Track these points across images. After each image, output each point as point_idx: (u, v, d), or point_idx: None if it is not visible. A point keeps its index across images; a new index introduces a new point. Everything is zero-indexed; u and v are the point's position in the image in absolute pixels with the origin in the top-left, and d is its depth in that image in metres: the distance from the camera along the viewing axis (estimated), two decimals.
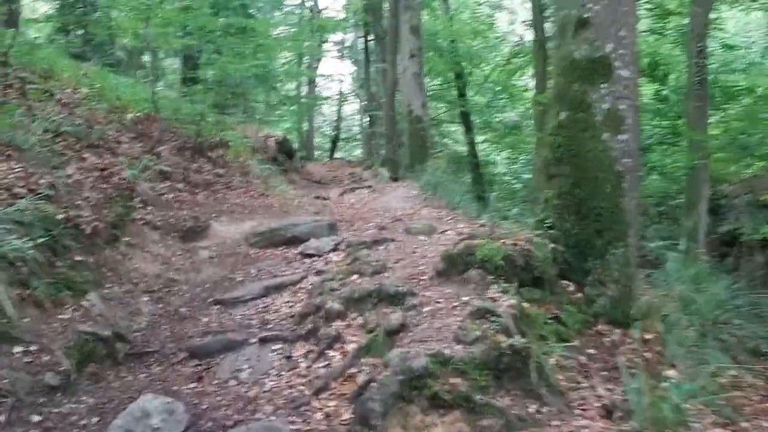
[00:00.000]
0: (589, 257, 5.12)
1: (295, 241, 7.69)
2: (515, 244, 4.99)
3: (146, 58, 26.24)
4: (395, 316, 4.35)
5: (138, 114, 10.59)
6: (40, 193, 6.20)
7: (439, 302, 4.61)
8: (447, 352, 3.74)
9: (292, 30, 25.30)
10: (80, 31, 27.60)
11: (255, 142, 18.78)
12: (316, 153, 30.33)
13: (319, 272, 6.33)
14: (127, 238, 6.92)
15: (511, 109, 23.63)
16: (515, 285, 4.73)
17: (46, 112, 8.46)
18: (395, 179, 17.29)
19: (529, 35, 21.28)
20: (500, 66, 22.39)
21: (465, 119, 22.60)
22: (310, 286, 5.97)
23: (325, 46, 29.89)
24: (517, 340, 3.90)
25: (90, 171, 7.65)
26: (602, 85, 5.22)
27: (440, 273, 5.07)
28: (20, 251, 4.93)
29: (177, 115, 12.40)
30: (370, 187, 15.09)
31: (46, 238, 5.51)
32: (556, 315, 4.77)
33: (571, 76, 5.40)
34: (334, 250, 7.16)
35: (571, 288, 5.10)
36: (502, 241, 5.04)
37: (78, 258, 5.88)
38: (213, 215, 8.60)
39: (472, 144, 22.29)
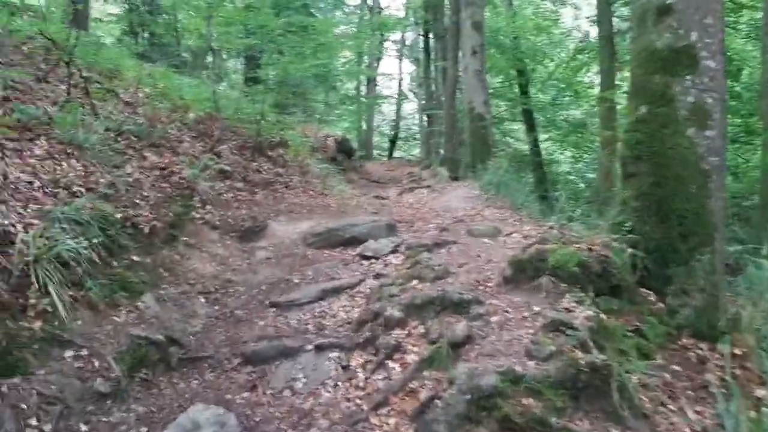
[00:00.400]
0: (672, 263, 4.67)
1: (353, 242, 7.44)
2: (590, 249, 4.59)
3: (210, 58, 26.70)
4: (460, 327, 4.02)
5: (200, 113, 10.52)
6: (99, 192, 6.12)
7: (507, 312, 4.27)
8: (518, 369, 3.40)
9: (353, 29, 25.15)
10: (147, 33, 28.21)
11: (314, 141, 18.76)
12: (375, 152, 30.16)
13: (377, 275, 6.05)
14: (185, 238, 6.78)
15: (575, 107, 22.91)
16: (591, 294, 4.35)
17: (108, 111, 8.45)
18: (455, 178, 16.90)
19: (594, 31, 20.59)
20: (564, 62, 21.72)
21: (527, 117, 22.04)
22: (368, 290, 5.70)
23: (385, 44, 29.72)
24: (597, 357, 3.54)
25: (150, 170, 7.56)
26: (686, 77, 4.77)
27: (508, 279, 4.72)
28: (75, 251, 4.81)
29: (238, 115, 12.35)
30: (429, 186, 14.76)
31: (103, 238, 5.40)
32: (636, 327, 4.36)
33: (651, 67, 4.96)
34: (394, 252, 6.87)
35: (652, 297, 4.66)
36: (576, 245, 4.65)
37: (135, 258, 5.76)
38: (271, 215, 8.42)
39: (535, 142, 21.72)
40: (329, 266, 6.81)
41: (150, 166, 7.68)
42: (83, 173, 6.34)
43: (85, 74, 9.55)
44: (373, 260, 6.79)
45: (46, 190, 5.62)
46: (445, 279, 5.16)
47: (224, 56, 27.00)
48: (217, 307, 5.87)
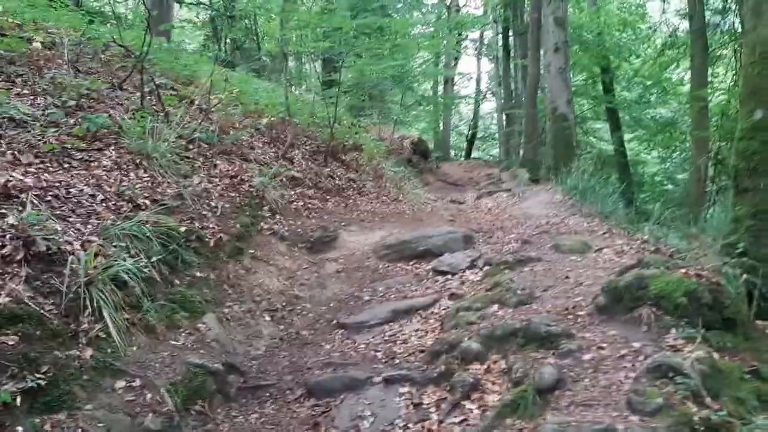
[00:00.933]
0: None
1: (427, 255, 6.96)
2: (699, 276, 3.94)
3: (287, 62, 26.73)
4: (548, 371, 3.45)
5: (272, 118, 10.27)
6: (164, 204, 5.86)
7: (602, 348, 3.68)
8: (620, 426, 2.84)
9: (430, 28, 24.63)
10: (228, 39, 28.55)
11: (390, 143, 18.37)
12: (452, 152, 29.55)
13: (453, 295, 5.55)
14: (251, 251, 6.46)
15: (663, 105, 21.65)
16: (700, 329, 3.70)
17: (179, 118, 8.28)
18: (536, 181, 16.17)
19: (684, 25, 19.35)
20: (652, 59, 20.52)
21: (612, 116, 20.99)
22: (443, 312, 5.21)
23: (463, 43, 29.04)
24: (713, 412, 2.93)
25: (220, 178, 7.31)
26: None
27: (602, 309, 4.12)
28: (133, 271, 4.52)
29: (313, 119, 12.07)
30: (509, 190, 14.11)
31: (165, 254, 5.12)
32: (753, 368, 3.69)
33: None
34: (471, 267, 6.35)
35: None
36: (681, 270, 4.00)
37: (198, 274, 5.45)
38: (342, 224, 8.04)
39: (620, 142, 20.63)
40: (401, 282, 6.36)
41: (220, 174, 7.43)
42: (150, 184, 6.10)
43: (160, 81, 9.46)
44: (448, 276, 6.29)
45: (110, 204, 5.38)
46: (530, 305, 4.60)
47: (303, 60, 27.10)
48: (282, 327, 5.51)
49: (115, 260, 4.50)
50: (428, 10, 28.36)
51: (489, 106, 31.41)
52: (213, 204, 6.53)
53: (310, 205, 8.24)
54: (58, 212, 4.70)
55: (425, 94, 28.96)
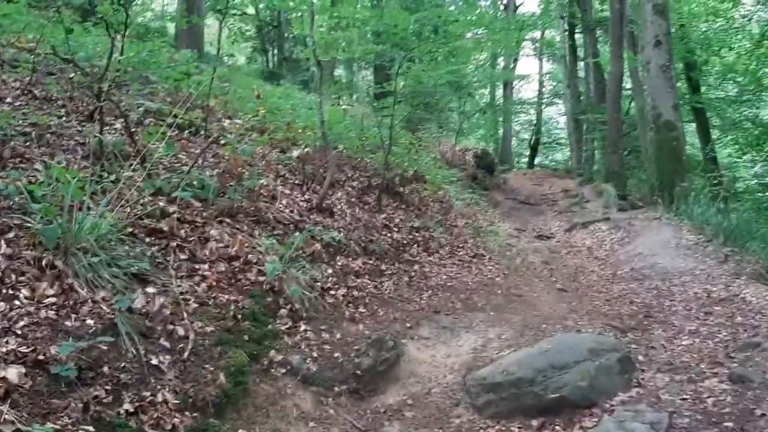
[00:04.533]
0: None
1: (563, 407, 3.62)
2: None
3: (340, 71, 23.59)
4: None
5: (306, 149, 7.10)
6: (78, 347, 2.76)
7: None
8: None
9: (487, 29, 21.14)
10: (276, 50, 25.69)
11: (452, 157, 15.04)
12: (514, 160, 25.94)
13: None
14: (250, 411, 3.31)
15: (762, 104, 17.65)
16: None
17: (157, 163, 5.20)
18: (633, 205, 12.59)
19: None
20: (748, 51, 16.57)
21: (700, 118, 17.18)
22: None
23: (522, 44, 25.30)
24: None
25: (207, 268, 4.17)
26: None
27: None
28: None
29: (362, 141, 8.85)
30: (607, 219, 10.61)
31: None
32: None
33: None
34: None
35: None
36: None
37: None
38: (408, 325, 4.76)
39: (710, 147, 16.74)
40: None
41: (209, 257, 4.29)
42: (55, 311, 3.03)
43: (155, 105, 6.51)
44: None
45: None
46: None
47: (353, 68, 23.93)
48: None
49: None
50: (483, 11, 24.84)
51: (552, 109, 27.64)
52: (179, 334, 3.39)
53: (356, 292, 4.98)
54: None
55: (483, 99, 25.45)
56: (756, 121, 16.96)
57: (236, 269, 4.33)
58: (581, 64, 21.62)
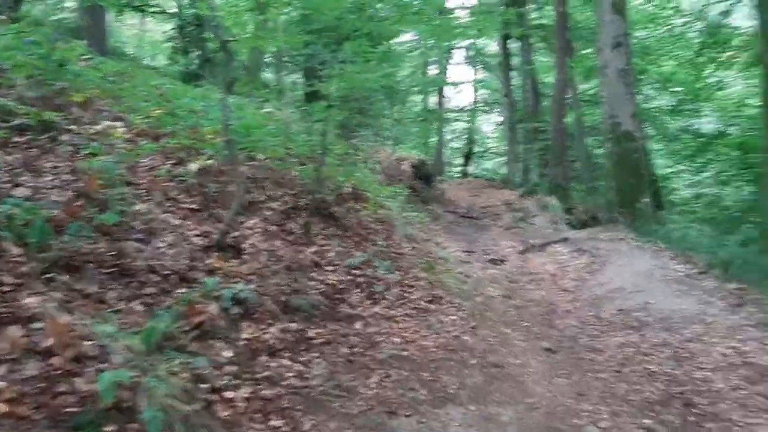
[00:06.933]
0: None
1: None
2: None
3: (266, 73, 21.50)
4: None
5: (209, 161, 5.15)
6: None
7: None
8: None
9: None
10: (197, 51, 23.32)
11: (387, 167, 13.30)
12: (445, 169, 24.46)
13: None
14: None
15: (698, 114, 16.72)
16: None
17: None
18: (586, 222, 11.20)
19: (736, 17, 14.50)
20: (689, 60, 15.54)
21: None
22: None
23: (452, 51, 23.83)
24: None
25: (3, 377, 2.23)
26: None
27: None
28: None
29: (289, 151, 6.95)
30: (566, 239, 9.09)
31: None
32: None
33: None
34: None
35: None
36: None
37: None
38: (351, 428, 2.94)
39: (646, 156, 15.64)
40: None
41: (9, 351, 2.34)
42: None
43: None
44: None
45: None
46: None
47: (280, 70, 21.88)
48: None
49: None
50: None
51: (485, 118, 26.39)
52: None
53: (268, 390, 3.01)
54: None
55: (415, 107, 23.88)
56: (695, 132, 16.01)
57: (53, 375, 2.38)
58: (516, 72, 20.39)
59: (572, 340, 5.01)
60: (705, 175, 16.65)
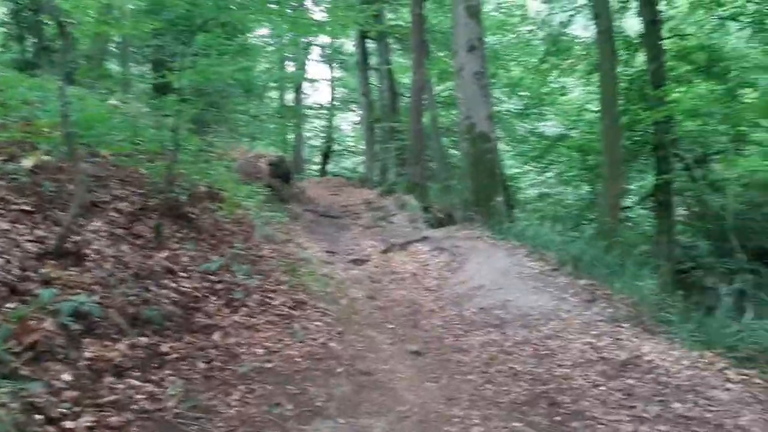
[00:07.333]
0: None
1: None
2: None
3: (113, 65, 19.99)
4: None
5: (45, 157, 4.58)
6: None
7: None
8: None
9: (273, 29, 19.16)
10: (34, 38, 21.24)
11: (243, 166, 12.84)
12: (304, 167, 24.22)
13: None
14: None
15: (543, 118, 17.92)
16: None
17: None
18: (442, 221, 11.53)
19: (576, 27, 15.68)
20: (534, 67, 16.57)
21: None
22: None
23: (310, 48, 23.64)
24: None
25: None
26: None
27: None
28: None
29: (136, 146, 6.40)
30: (425, 238, 9.26)
31: None
32: None
33: None
34: None
35: None
36: None
37: None
38: None
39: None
40: None
41: None
42: None
43: None
44: None
45: None
46: None
47: (127, 62, 20.45)
48: None
49: None
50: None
51: (343, 116, 26.46)
52: None
53: (114, 417, 2.64)
54: None
55: (272, 103, 23.38)
56: (540, 134, 17.12)
57: None
58: (373, 72, 20.63)
59: (438, 340, 5.05)
60: (548, 175, 17.90)
